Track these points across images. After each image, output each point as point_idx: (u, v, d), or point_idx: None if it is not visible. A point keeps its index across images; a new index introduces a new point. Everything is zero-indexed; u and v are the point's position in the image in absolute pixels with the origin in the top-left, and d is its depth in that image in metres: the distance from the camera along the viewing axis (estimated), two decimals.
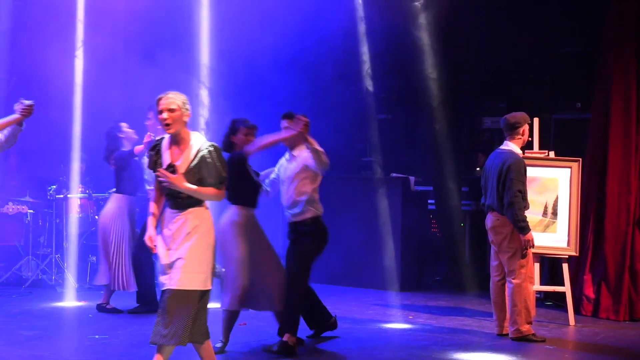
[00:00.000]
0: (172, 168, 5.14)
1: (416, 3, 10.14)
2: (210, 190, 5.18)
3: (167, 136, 5.27)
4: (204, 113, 10.67)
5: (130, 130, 8.48)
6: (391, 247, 9.69)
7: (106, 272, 8.26)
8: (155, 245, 5.21)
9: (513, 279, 7.15)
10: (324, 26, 10.03)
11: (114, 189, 8.47)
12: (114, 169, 8.38)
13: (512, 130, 7.24)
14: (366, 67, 10.38)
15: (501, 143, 7.39)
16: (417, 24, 10.11)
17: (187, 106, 5.21)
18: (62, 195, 9.87)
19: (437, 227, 10.92)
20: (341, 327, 7.62)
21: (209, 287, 5.19)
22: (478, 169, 10.93)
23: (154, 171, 5.27)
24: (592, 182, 8.55)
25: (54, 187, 9.92)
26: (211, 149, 5.18)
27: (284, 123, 6.80)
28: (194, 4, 10.87)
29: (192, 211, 5.17)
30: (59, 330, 7.54)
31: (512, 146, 7.23)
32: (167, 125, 5.13)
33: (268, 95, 9.24)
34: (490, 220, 7.27)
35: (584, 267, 8.52)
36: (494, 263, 7.37)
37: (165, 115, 5.12)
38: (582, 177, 8.24)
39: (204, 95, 10.75)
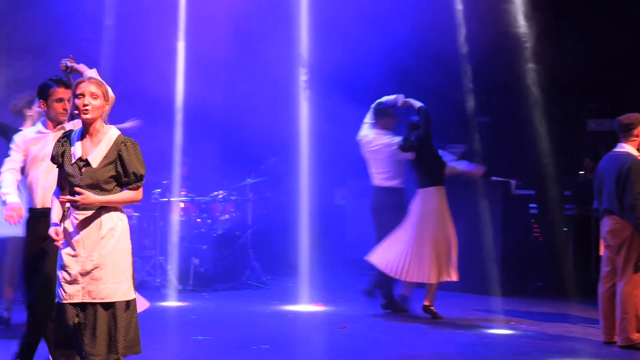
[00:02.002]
0: (83, 162, 4.64)
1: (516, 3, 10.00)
2: (125, 194, 4.69)
3: (78, 127, 4.81)
4: (304, 111, 10.73)
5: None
6: (492, 252, 9.55)
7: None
8: (60, 240, 4.64)
9: (625, 284, 6.93)
10: (425, 29, 9.99)
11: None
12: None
13: (626, 132, 7.04)
14: (466, 69, 10.28)
15: (607, 146, 7.21)
16: (518, 24, 9.96)
17: (109, 96, 4.81)
18: (166, 199, 10.08)
19: (539, 232, 10.72)
20: (442, 332, 7.57)
21: (133, 297, 4.70)
22: (582, 172, 10.68)
23: (58, 165, 4.76)
24: None
25: (159, 190, 10.13)
26: (128, 142, 4.70)
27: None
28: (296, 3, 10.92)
29: (105, 211, 4.65)
30: (165, 330, 7.70)
31: (628, 148, 7.02)
32: (87, 111, 4.63)
33: (368, 97, 9.25)
34: (607, 224, 7.05)
35: None
36: (605, 269, 7.14)
37: (86, 100, 4.62)
38: None
39: (303, 94, 10.81)
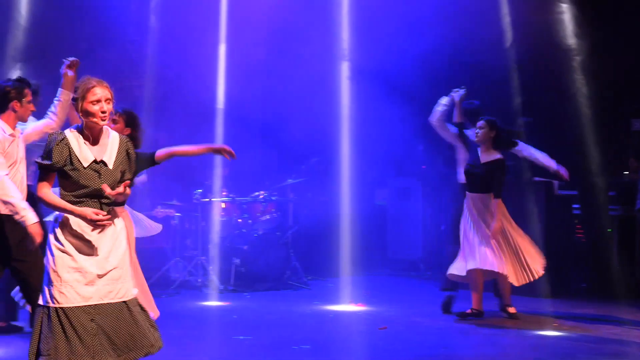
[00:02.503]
0: (99, 164, 4.56)
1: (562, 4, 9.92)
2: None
3: (71, 130, 4.66)
4: (345, 112, 10.73)
5: None
6: None
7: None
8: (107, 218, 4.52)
9: None
10: (467, 30, 9.95)
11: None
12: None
13: None
14: (511, 70, 10.21)
15: None
16: (563, 25, 9.88)
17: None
18: (207, 199, 10.14)
19: (583, 233, 10.59)
20: (483, 333, 7.51)
21: (136, 292, 4.72)
22: (626, 172, 10.54)
23: (56, 170, 4.53)
24: None
25: (200, 191, 10.20)
26: (130, 141, 4.74)
27: None
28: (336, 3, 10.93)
29: (119, 209, 4.73)
30: (206, 330, 7.76)
31: None
32: (105, 117, 4.57)
33: (408, 100, 9.25)
34: None
35: None
36: None
37: (104, 106, 4.55)
38: None
39: (345, 93, 10.81)
